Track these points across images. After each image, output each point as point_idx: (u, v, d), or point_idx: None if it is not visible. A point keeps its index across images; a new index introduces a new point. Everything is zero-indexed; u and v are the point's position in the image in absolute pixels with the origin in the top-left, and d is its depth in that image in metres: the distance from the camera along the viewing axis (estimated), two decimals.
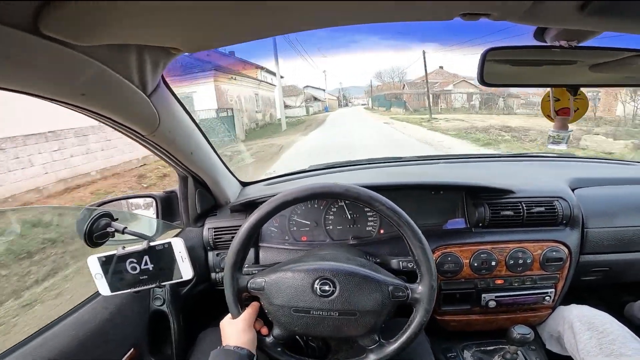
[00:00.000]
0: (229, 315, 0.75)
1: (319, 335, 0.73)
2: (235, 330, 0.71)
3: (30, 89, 0.48)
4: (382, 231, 1.07)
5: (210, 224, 1.09)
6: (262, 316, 0.77)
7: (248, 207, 1.08)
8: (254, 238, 0.79)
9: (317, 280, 0.70)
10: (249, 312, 0.74)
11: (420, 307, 0.70)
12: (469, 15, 0.49)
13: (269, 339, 0.75)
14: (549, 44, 0.60)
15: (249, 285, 0.74)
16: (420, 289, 0.70)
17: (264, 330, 0.76)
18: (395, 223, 0.71)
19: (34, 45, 0.39)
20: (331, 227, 1.09)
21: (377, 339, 0.72)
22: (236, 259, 0.74)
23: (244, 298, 0.77)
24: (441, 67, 29.32)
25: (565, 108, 0.83)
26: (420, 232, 0.71)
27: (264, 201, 0.76)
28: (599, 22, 0.48)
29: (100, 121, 0.64)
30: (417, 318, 0.70)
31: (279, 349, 0.75)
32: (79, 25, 0.40)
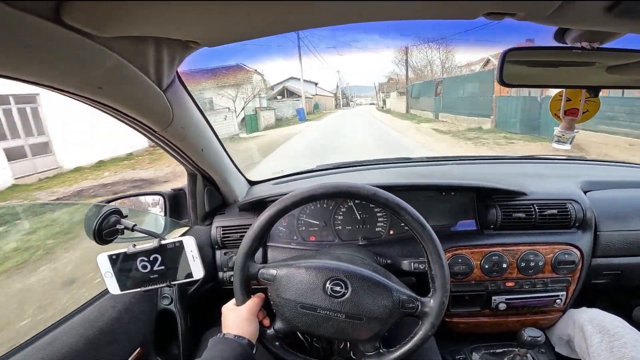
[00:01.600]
0: (232, 300, 0.74)
1: (320, 335, 0.72)
2: (237, 318, 0.70)
3: (47, 80, 0.47)
4: (392, 232, 1.07)
5: (218, 222, 1.08)
6: (265, 308, 0.76)
7: (257, 206, 1.08)
8: (271, 228, 0.77)
9: (330, 280, 0.69)
10: (255, 301, 0.73)
11: (427, 320, 0.69)
12: (493, 15, 0.48)
13: (270, 331, 0.74)
14: (569, 45, 0.59)
15: (259, 273, 0.73)
16: (431, 303, 0.69)
17: (266, 322, 0.75)
18: (419, 235, 0.70)
19: (55, 35, 0.38)
20: (340, 227, 1.08)
21: (378, 346, 0.71)
22: (252, 245, 0.72)
23: (251, 287, 0.76)
24: (529, 40, 15.79)
25: (574, 109, 0.82)
26: (441, 248, 0.70)
27: (273, 200, 0.74)
28: (626, 23, 0.48)
29: (113, 116, 0.64)
30: (422, 331, 0.69)
31: (277, 342, 0.74)
32: (102, 16, 0.39)
